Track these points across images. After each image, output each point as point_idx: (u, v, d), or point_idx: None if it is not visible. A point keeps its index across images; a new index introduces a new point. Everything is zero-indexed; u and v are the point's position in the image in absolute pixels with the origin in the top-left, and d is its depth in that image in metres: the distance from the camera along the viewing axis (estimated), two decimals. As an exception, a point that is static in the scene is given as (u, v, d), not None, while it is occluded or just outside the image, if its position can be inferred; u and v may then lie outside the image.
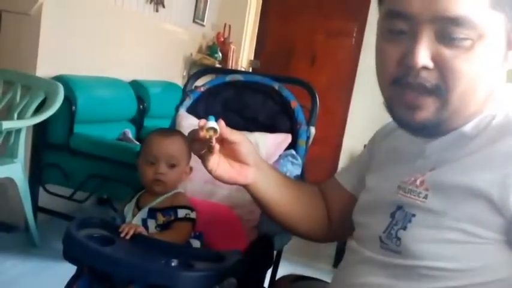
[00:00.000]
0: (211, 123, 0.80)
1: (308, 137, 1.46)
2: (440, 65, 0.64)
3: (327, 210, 1.01)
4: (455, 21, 0.62)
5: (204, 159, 0.84)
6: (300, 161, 1.40)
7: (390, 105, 0.72)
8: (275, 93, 1.49)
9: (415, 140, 0.76)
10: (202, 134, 0.80)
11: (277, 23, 4.66)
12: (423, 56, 0.64)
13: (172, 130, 1.25)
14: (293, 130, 1.45)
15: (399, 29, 0.67)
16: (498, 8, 0.63)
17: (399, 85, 0.68)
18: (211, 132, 0.80)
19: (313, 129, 1.48)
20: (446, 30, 0.63)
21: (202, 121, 0.81)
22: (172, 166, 1.16)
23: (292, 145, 1.43)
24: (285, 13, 4.58)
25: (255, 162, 0.90)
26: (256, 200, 0.95)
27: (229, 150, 0.87)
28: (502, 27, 0.65)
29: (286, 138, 1.42)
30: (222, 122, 0.82)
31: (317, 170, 3.44)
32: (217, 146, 0.82)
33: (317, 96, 1.55)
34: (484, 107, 0.70)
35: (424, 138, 0.75)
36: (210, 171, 0.85)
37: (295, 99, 1.48)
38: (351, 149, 4.40)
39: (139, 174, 1.19)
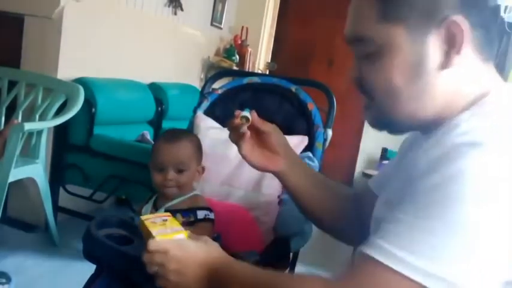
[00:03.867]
0: (245, 112, 0.94)
1: (325, 140, 1.46)
2: (361, 77, 0.74)
3: (361, 213, 1.00)
4: (354, 40, 0.71)
5: (238, 147, 0.97)
6: (316, 163, 1.40)
7: None
8: (292, 96, 1.49)
9: None
10: (237, 121, 0.94)
11: (295, 26, 4.66)
12: (353, 71, 0.75)
13: (179, 134, 1.22)
14: (310, 132, 1.45)
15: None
16: (393, 19, 0.67)
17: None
18: (243, 120, 0.94)
19: (330, 132, 1.48)
20: (354, 48, 0.73)
21: (238, 111, 0.95)
22: (180, 171, 1.16)
23: (309, 147, 1.43)
24: (302, 15, 4.58)
25: (285, 152, 1.00)
26: (286, 188, 1.03)
27: (262, 140, 0.98)
28: (405, 36, 0.67)
29: (303, 141, 1.42)
30: (254, 113, 0.95)
31: (334, 173, 3.42)
32: (248, 133, 0.94)
33: (334, 99, 1.55)
34: (436, 109, 0.70)
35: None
36: (244, 157, 0.97)
37: (312, 102, 1.48)
38: (369, 152, 4.37)
39: (151, 178, 1.21)
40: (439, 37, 0.67)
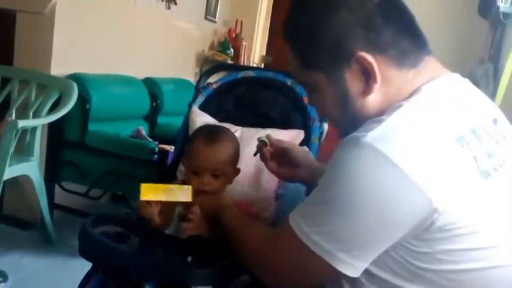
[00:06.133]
0: (263, 138, 1.16)
1: (321, 133, 1.45)
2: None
3: None
4: (300, 82, 0.89)
5: (265, 163, 1.16)
6: (313, 157, 1.40)
7: None
8: (288, 89, 1.48)
9: None
10: (257, 145, 1.15)
11: (289, 19, 4.63)
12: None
13: (219, 135, 1.15)
14: (306, 126, 1.44)
15: None
16: (311, 68, 0.81)
17: None
18: (262, 144, 1.15)
19: (326, 126, 1.47)
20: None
21: (258, 137, 1.17)
22: (217, 176, 1.11)
23: (305, 141, 1.43)
24: (297, 8, 4.55)
25: (306, 163, 1.14)
26: None
27: (284, 155, 1.15)
28: (324, 78, 0.80)
29: (299, 135, 1.42)
30: (270, 136, 1.16)
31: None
32: (266, 153, 1.14)
33: (330, 92, 1.54)
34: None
35: None
36: (271, 172, 1.17)
37: (308, 95, 1.47)
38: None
39: (184, 173, 1.19)
40: (355, 71, 0.77)
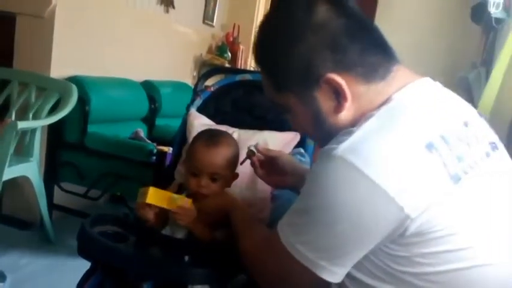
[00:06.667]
0: (251, 147, 1.19)
1: (317, 136, 1.47)
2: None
3: None
4: (273, 103, 0.89)
5: (254, 171, 1.20)
6: (308, 159, 1.42)
7: None
8: (284, 93, 1.50)
9: None
10: (247, 153, 1.18)
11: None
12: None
13: (218, 138, 1.16)
14: (302, 129, 1.46)
15: None
16: (282, 90, 0.84)
17: None
18: (250, 153, 1.19)
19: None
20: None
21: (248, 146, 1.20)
22: (214, 179, 1.12)
23: (301, 144, 1.45)
24: (294, 12, 4.57)
25: (293, 171, 1.19)
26: None
27: (273, 164, 1.19)
28: (295, 100, 0.83)
29: (295, 137, 1.44)
30: (259, 145, 1.20)
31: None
32: (256, 162, 1.19)
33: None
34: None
35: None
36: (260, 179, 1.22)
37: (303, 98, 1.49)
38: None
39: (183, 176, 1.20)
40: (325, 91, 0.79)
